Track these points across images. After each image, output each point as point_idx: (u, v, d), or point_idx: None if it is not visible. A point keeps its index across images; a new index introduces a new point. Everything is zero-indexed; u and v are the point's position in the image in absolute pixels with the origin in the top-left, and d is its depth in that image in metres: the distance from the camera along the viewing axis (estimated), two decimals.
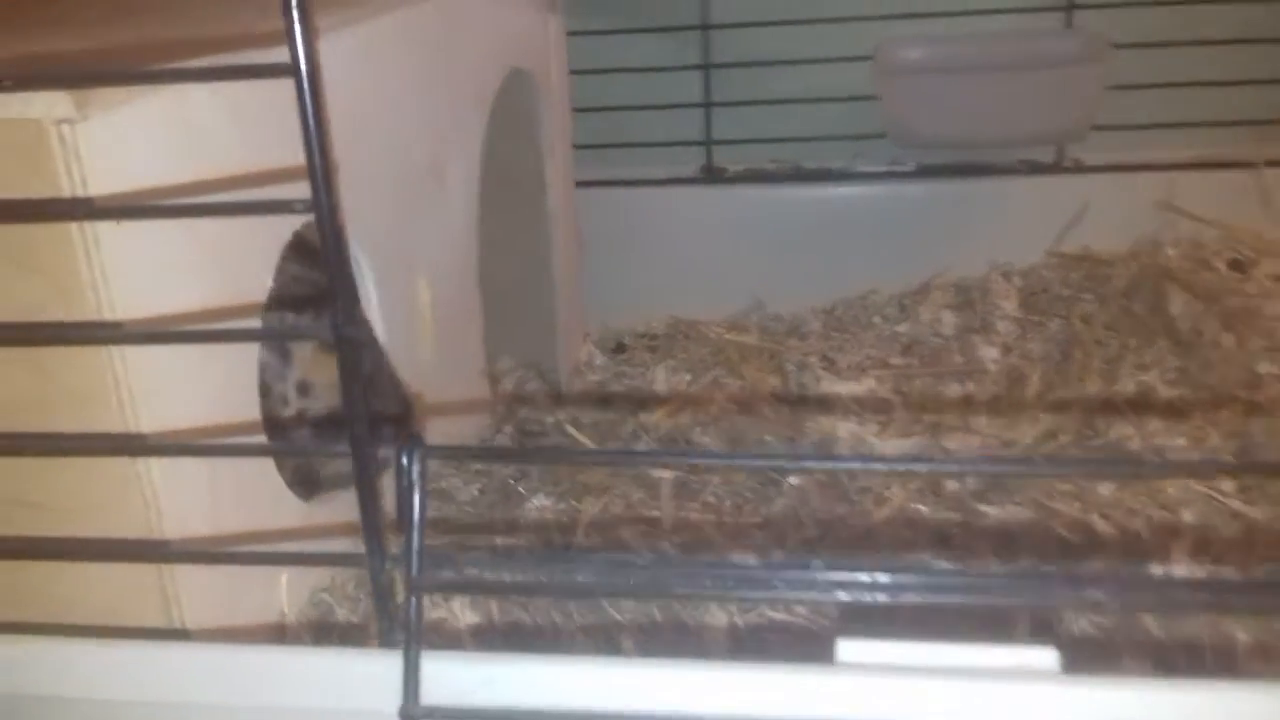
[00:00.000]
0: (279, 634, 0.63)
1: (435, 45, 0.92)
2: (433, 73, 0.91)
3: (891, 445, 1.19)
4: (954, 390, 1.28)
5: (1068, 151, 1.46)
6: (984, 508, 1.02)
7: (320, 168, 0.44)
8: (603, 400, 1.29)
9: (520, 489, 1.03)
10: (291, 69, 0.42)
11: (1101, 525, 0.97)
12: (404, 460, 0.48)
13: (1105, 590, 0.42)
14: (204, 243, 0.60)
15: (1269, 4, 1.38)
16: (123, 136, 0.54)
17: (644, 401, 1.28)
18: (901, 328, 1.42)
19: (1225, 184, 1.41)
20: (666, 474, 1.11)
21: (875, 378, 1.31)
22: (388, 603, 0.48)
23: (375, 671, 0.48)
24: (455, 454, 0.80)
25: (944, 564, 0.93)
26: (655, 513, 1.03)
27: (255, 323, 0.64)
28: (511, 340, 1.28)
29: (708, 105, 1.48)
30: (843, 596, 0.43)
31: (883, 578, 0.44)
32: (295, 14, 0.42)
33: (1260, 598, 0.44)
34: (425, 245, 0.89)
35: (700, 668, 0.46)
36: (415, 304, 0.86)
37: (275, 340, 0.71)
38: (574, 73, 1.33)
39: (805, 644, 0.78)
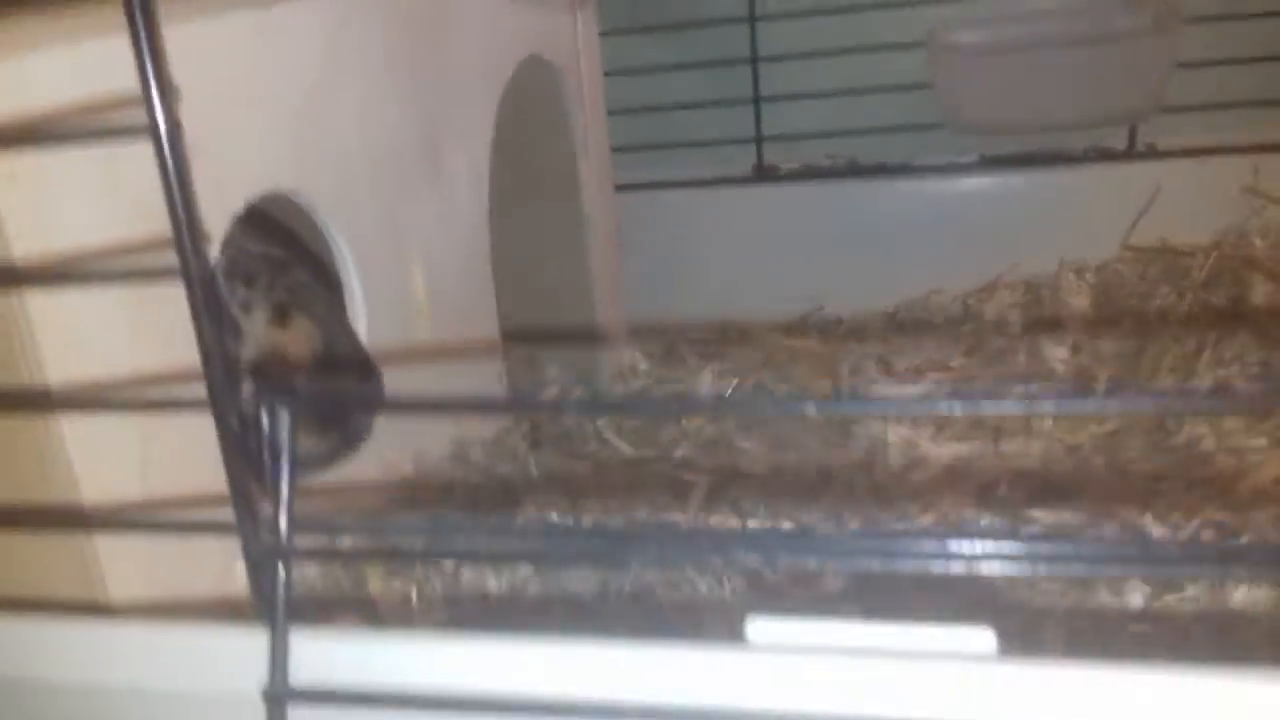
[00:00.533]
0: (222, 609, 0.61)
1: (424, 21, 0.89)
2: (421, 50, 0.88)
3: (946, 451, 1.12)
4: (1018, 393, 1.20)
5: (1140, 136, 1.36)
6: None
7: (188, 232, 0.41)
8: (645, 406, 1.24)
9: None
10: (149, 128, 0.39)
11: None
12: (267, 414, 0.44)
13: None
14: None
15: None
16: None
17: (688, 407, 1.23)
18: (966, 328, 1.34)
19: None
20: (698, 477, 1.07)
21: (933, 381, 1.24)
22: (261, 574, 0.45)
23: (240, 648, 0.44)
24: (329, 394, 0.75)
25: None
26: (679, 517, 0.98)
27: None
28: (555, 344, 1.25)
29: (756, 101, 1.43)
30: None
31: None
32: (150, 74, 0.40)
33: None
34: (420, 232, 0.86)
35: (593, 645, 0.41)
36: (409, 292, 0.83)
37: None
38: (615, 74, 1.30)
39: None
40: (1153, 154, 1.36)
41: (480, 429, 1.01)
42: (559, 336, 1.28)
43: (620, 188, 1.32)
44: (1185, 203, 1.32)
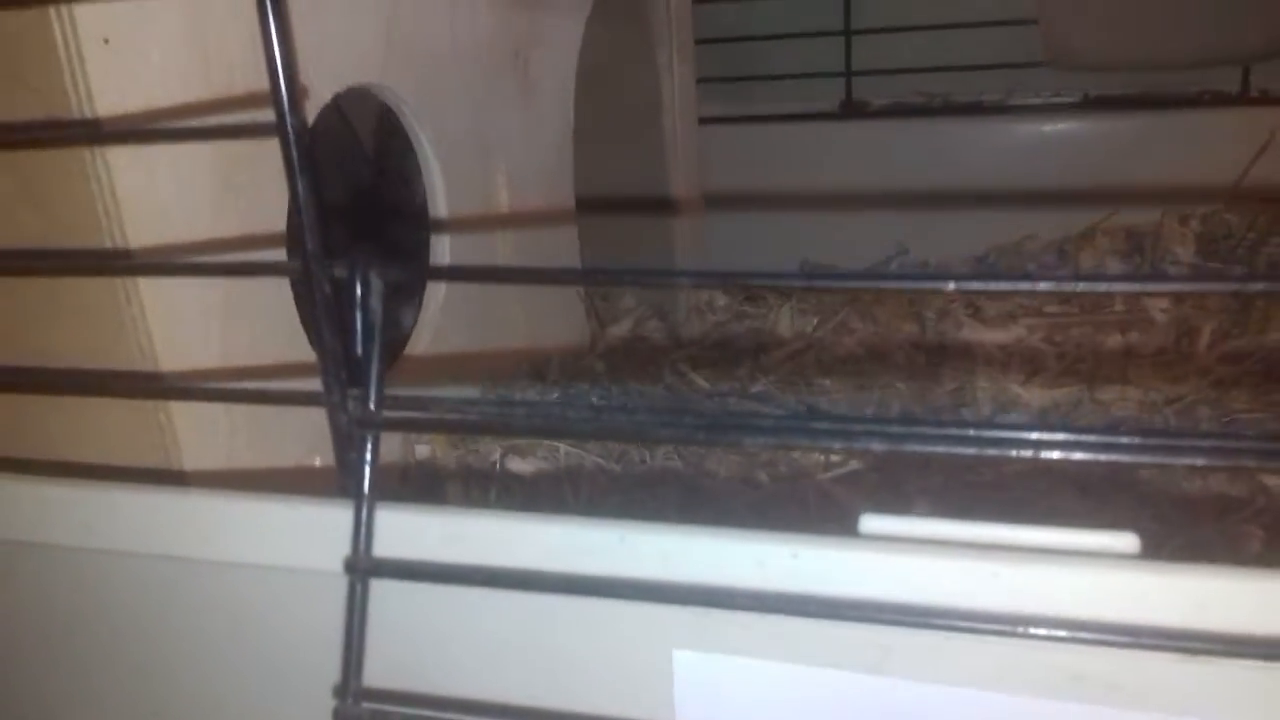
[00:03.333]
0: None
1: None
2: None
3: (1038, 396, 1.07)
4: (1115, 341, 1.15)
5: (1254, 80, 1.29)
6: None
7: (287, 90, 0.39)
8: (721, 343, 1.21)
9: None
10: None
11: None
12: (361, 282, 0.42)
13: None
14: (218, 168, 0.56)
15: None
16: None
17: (765, 346, 1.20)
18: (1062, 273, 1.29)
19: None
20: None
21: (1026, 326, 1.19)
22: (348, 447, 0.42)
23: (323, 521, 0.42)
24: (439, 273, 0.73)
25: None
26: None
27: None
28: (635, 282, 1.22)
29: (847, 33, 1.37)
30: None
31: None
32: None
33: None
34: (505, 139, 0.83)
35: (676, 531, 0.39)
36: (492, 199, 0.81)
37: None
38: (703, 2, 1.26)
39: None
40: (1267, 99, 1.29)
41: (557, 347, 0.99)
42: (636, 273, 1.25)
43: (705, 120, 1.28)
44: None
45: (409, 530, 0.41)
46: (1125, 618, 0.35)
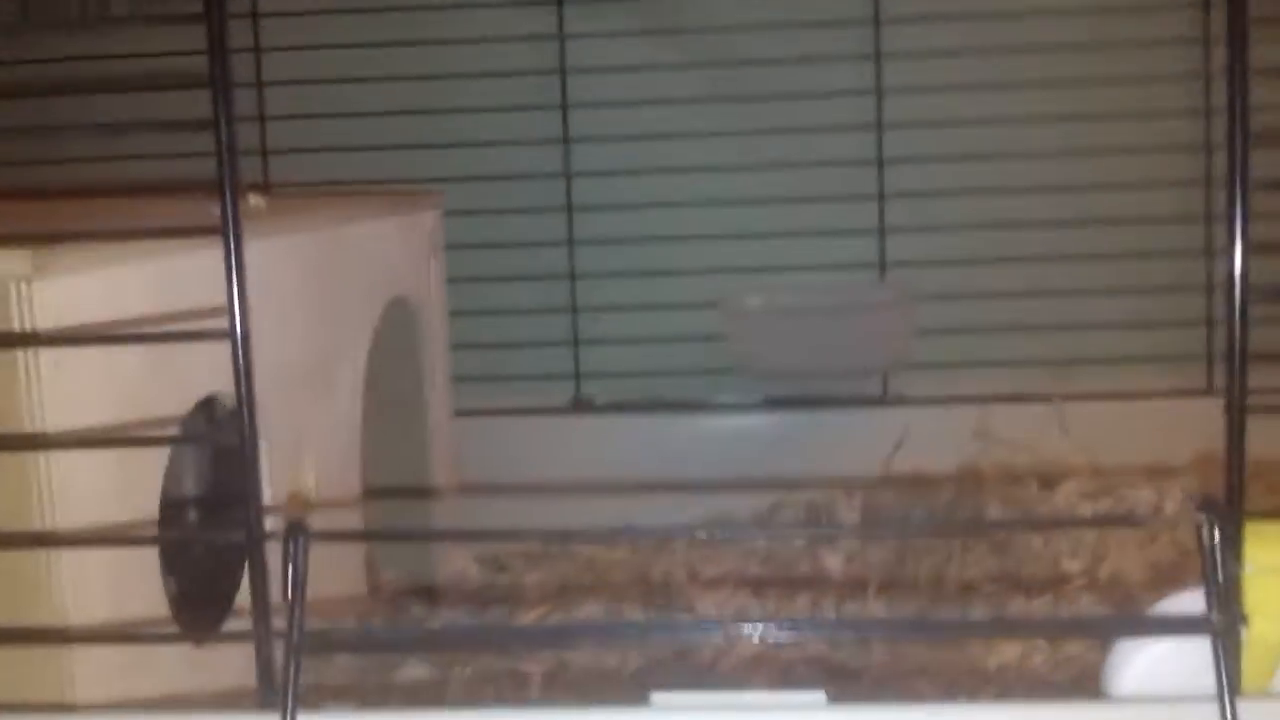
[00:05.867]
0: None
1: (323, 269, 1.07)
2: (321, 292, 1.06)
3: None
4: (805, 595, 1.40)
5: (891, 386, 1.66)
6: None
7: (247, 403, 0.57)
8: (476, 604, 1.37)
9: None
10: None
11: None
12: (291, 543, 0.58)
13: None
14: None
15: (1056, 262, 1.63)
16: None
17: (516, 603, 1.37)
18: (758, 543, 1.55)
19: (1031, 415, 1.61)
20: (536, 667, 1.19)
21: (734, 586, 1.43)
22: (272, 672, 0.57)
23: None
24: (338, 537, 0.88)
25: None
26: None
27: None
28: (393, 553, 1.37)
29: (576, 343, 1.66)
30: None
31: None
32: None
33: None
34: (313, 435, 1.00)
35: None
36: (301, 484, 0.97)
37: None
38: (457, 313, 1.49)
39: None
40: (900, 400, 1.66)
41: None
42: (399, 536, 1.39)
43: (460, 413, 1.50)
44: (931, 440, 1.60)
45: None
46: None
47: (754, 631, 0.57)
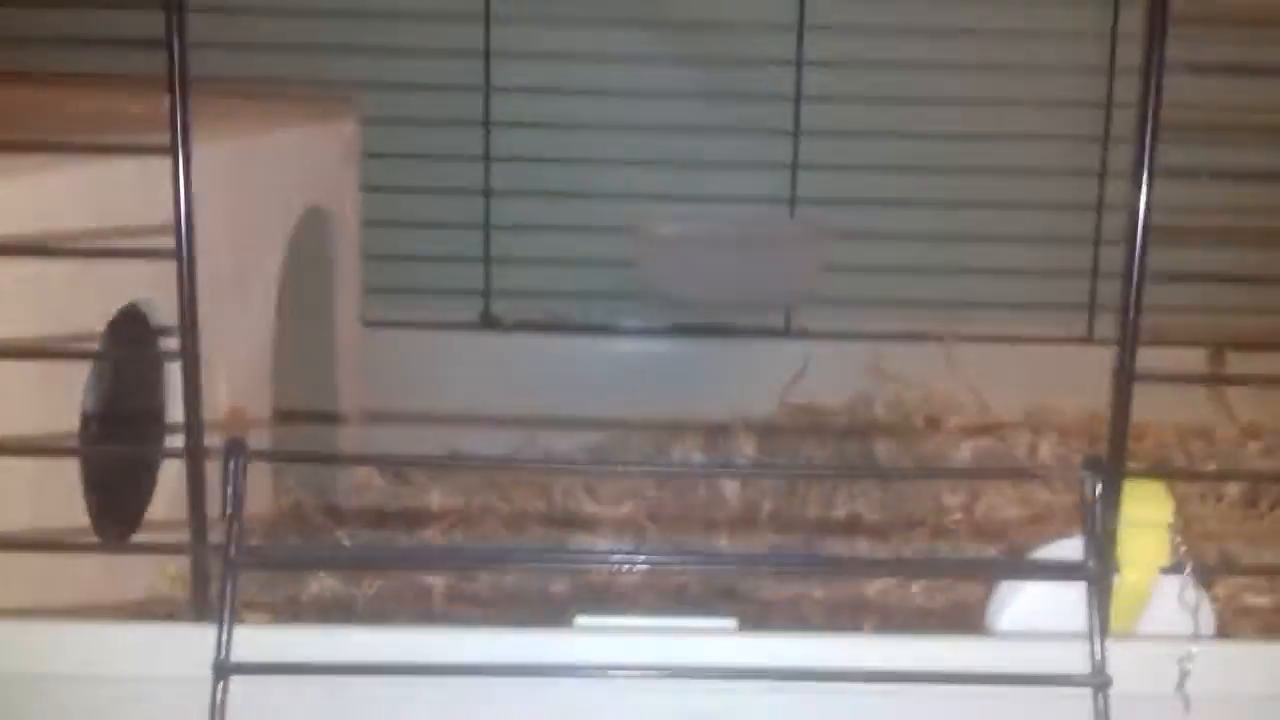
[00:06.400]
0: None
1: (241, 178, 1.06)
2: (239, 201, 1.05)
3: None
4: (700, 518, 1.46)
5: (794, 321, 1.71)
6: None
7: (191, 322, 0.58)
8: (379, 518, 1.39)
9: None
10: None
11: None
12: (231, 462, 0.59)
13: None
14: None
15: (958, 209, 1.69)
16: None
17: (419, 520, 1.39)
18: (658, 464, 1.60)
19: (923, 354, 1.68)
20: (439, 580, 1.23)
21: (632, 504, 1.48)
22: (208, 584, 0.59)
23: (193, 639, 0.58)
24: (275, 458, 0.89)
25: None
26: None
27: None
28: (299, 466, 1.37)
29: (487, 260, 1.67)
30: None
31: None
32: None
33: None
34: (227, 340, 1.01)
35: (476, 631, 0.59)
36: (214, 391, 0.97)
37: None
38: (369, 223, 1.48)
39: None
40: (803, 334, 1.71)
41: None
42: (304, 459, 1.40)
43: (369, 324, 1.50)
44: (827, 374, 1.66)
45: (262, 642, 0.58)
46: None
47: (652, 562, 0.61)
